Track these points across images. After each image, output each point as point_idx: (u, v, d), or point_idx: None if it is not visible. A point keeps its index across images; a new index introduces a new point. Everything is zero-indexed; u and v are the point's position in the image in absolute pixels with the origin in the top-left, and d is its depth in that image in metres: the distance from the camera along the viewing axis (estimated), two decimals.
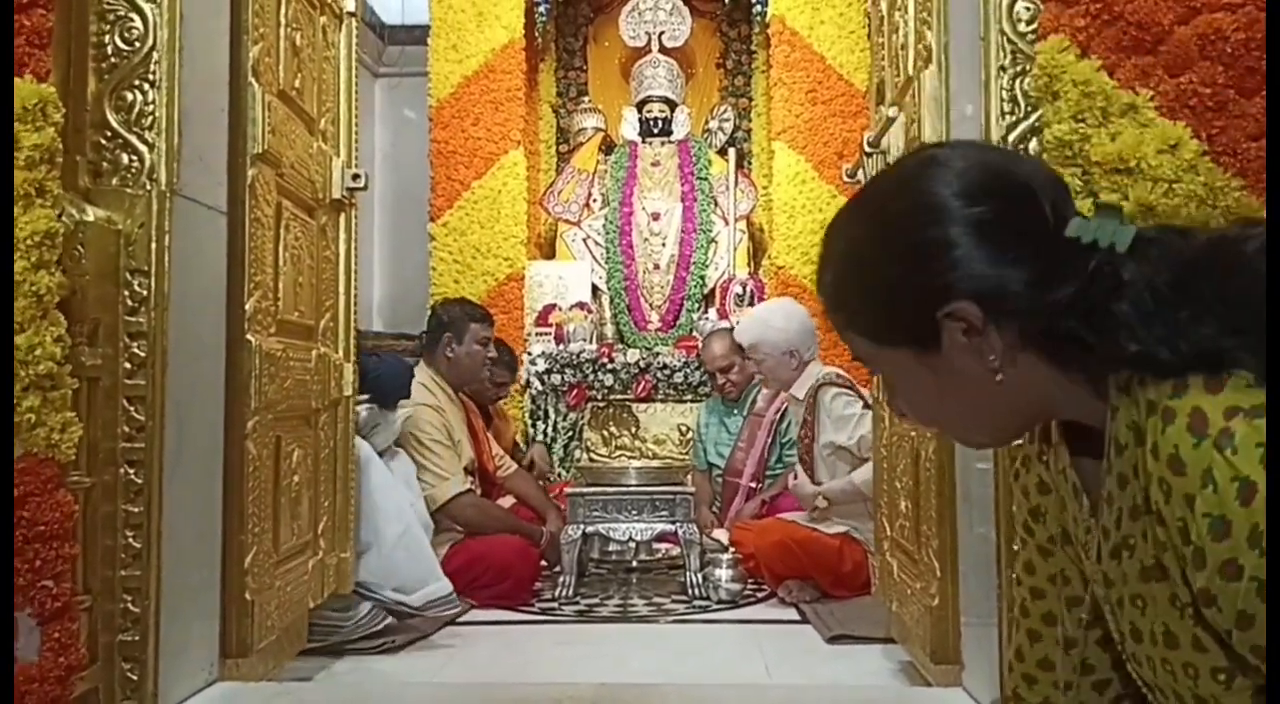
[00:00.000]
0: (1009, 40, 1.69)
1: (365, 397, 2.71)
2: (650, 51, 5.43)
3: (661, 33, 5.44)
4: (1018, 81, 1.68)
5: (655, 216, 5.26)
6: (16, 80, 1.46)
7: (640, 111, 5.43)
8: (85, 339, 1.63)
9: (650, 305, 5.24)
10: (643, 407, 4.83)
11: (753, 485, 3.81)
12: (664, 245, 5.25)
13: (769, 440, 3.84)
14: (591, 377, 4.77)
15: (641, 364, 4.77)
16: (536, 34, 5.45)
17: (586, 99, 5.81)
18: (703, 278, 5.20)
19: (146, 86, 1.76)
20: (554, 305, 5.01)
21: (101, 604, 1.67)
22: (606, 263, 5.25)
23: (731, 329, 4.30)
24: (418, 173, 5.29)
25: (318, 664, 2.38)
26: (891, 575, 2.28)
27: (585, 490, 3.36)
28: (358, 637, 2.50)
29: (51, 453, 1.47)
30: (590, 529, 3.29)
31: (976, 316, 0.77)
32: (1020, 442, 0.94)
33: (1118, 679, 0.87)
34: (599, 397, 4.81)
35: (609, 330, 5.20)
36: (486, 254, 5.05)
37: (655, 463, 3.87)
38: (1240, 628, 0.66)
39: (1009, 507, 1.54)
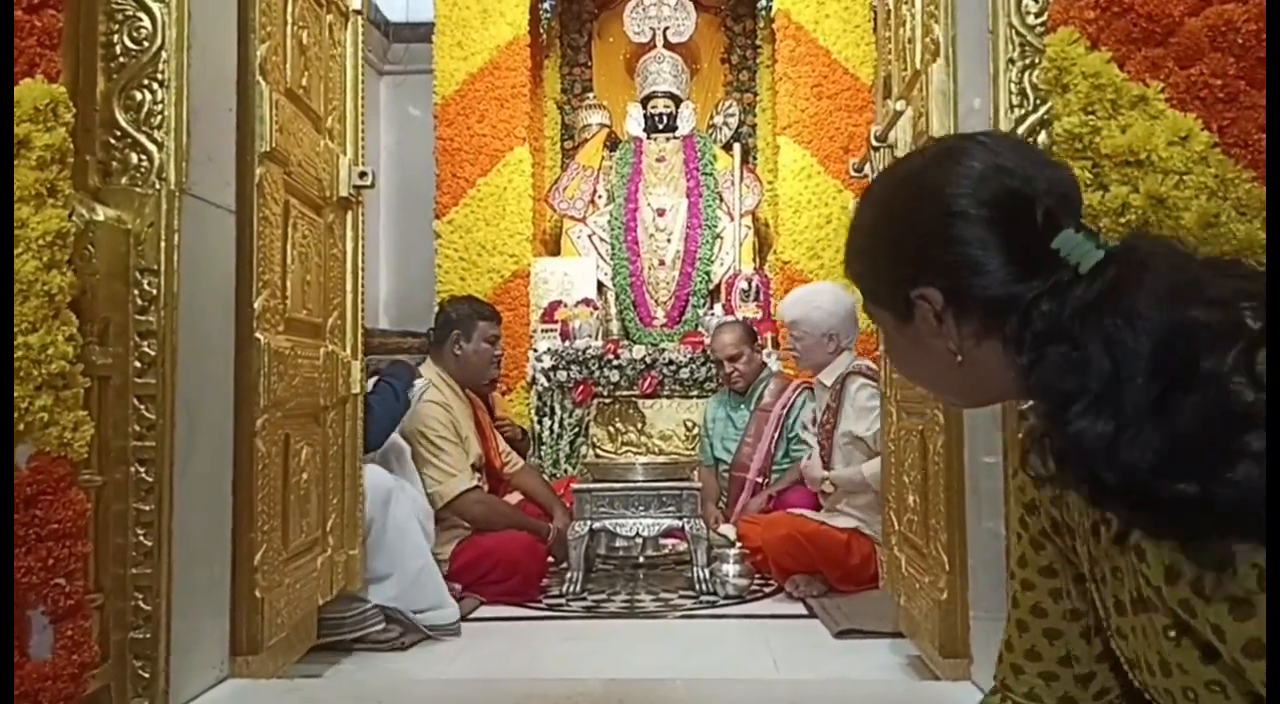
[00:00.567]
0: (1018, 33, 1.69)
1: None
2: (655, 47, 5.41)
3: (666, 28, 5.42)
4: (1026, 74, 1.68)
5: (660, 212, 5.25)
6: (28, 81, 1.47)
7: (645, 107, 5.41)
8: (96, 338, 1.64)
9: (656, 301, 5.23)
10: (649, 402, 4.82)
11: (759, 480, 3.81)
12: (669, 241, 5.24)
13: (776, 435, 3.84)
14: (597, 373, 4.77)
15: (647, 360, 4.77)
16: (541, 30, 5.44)
17: (591, 95, 5.80)
18: (708, 273, 5.19)
19: (155, 86, 1.76)
20: (559, 302, 5.00)
21: (113, 602, 1.68)
22: (612, 259, 5.24)
23: (742, 322, 4.31)
24: (423, 170, 5.29)
25: (327, 661, 2.39)
26: (900, 569, 2.27)
27: (592, 486, 3.36)
28: (364, 631, 2.51)
29: (64, 451, 1.48)
30: (597, 525, 3.30)
31: (939, 303, 0.84)
32: (1022, 437, 0.94)
33: (1101, 672, 0.91)
34: (605, 393, 4.81)
35: (614, 326, 5.19)
36: (492, 251, 5.04)
37: (661, 458, 3.86)
38: (1238, 620, 0.67)
39: None
